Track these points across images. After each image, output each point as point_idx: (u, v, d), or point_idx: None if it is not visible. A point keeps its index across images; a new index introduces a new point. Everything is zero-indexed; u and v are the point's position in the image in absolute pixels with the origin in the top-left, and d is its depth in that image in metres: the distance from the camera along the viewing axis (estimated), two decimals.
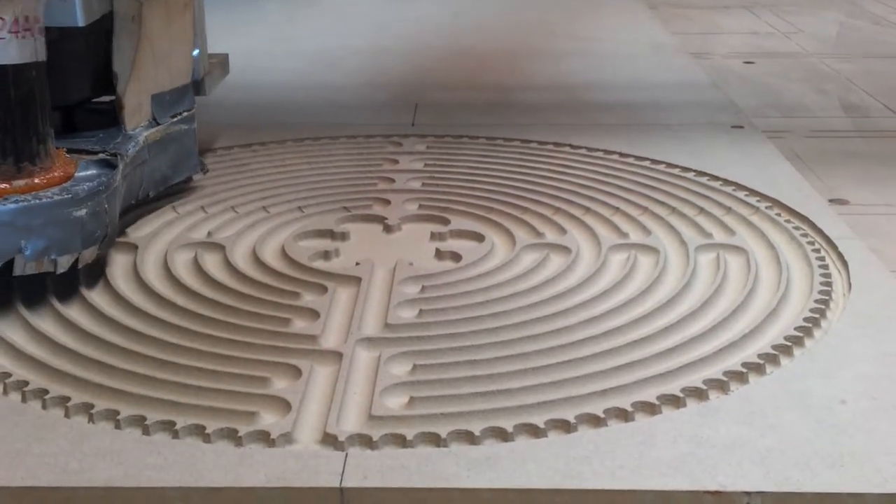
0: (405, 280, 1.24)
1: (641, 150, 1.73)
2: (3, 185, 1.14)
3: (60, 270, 1.16)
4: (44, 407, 0.99)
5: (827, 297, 1.19)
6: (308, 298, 1.21)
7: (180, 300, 1.19)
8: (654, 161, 1.69)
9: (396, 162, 1.70)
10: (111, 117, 1.41)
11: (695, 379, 1.02)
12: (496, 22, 3.05)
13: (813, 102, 2.31)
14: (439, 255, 1.34)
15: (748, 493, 0.85)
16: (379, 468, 0.88)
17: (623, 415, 0.96)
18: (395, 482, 0.87)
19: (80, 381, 1.02)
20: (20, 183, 1.15)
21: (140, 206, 1.45)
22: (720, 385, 1.01)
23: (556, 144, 1.79)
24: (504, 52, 2.64)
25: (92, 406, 0.98)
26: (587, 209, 1.47)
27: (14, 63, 1.12)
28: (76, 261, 1.17)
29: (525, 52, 2.63)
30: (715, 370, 1.03)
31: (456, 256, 1.32)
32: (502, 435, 0.93)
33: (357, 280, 1.24)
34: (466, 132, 1.85)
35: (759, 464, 0.88)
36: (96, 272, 1.25)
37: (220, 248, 1.34)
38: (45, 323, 1.14)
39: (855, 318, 1.15)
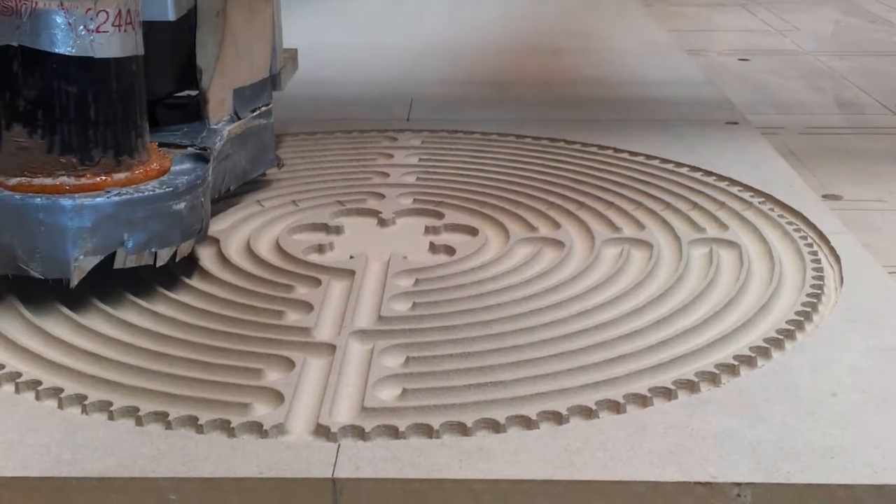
0: (399, 273, 1.24)
1: (636, 146, 1.74)
2: (104, 178, 1.13)
3: (160, 263, 1.16)
4: (37, 398, 0.99)
5: (819, 292, 1.19)
6: (302, 291, 1.21)
7: (174, 292, 1.20)
8: (648, 157, 1.69)
9: (391, 156, 1.70)
10: (191, 111, 1.41)
11: (686, 371, 1.02)
12: (492, 17, 3.05)
13: (808, 99, 2.32)
14: (433, 248, 1.34)
15: (738, 485, 0.85)
16: (371, 459, 0.89)
17: (615, 407, 0.97)
18: (387, 473, 0.87)
19: (74, 372, 1.02)
20: (120, 176, 1.14)
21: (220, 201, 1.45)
22: (712, 377, 1.01)
23: (550, 140, 1.79)
24: (500, 47, 2.64)
25: (85, 397, 0.98)
26: (581, 204, 1.48)
27: (116, 57, 1.12)
28: (174, 254, 1.17)
29: (521, 48, 2.63)
30: (706, 363, 1.03)
31: (450, 250, 1.32)
32: (495, 426, 0.94)
33: (351, 273, 1.25)
34: (461, 127, 1.86)
35: (750, 455, 0.89)
36: None
37: (214, 240, 1.34)
38: (38, 314, 1.14)
39: (846, 313, 1.15)
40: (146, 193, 1.13)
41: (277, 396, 0.98)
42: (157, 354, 1.05)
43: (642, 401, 0.97)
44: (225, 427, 0.93)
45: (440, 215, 1.44)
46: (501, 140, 1.79)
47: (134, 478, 0.87)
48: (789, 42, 2.95)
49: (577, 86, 2.24)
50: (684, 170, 1.63)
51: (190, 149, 1.28)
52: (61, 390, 0.99)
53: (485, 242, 1.35)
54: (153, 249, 1.15)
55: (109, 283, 1.20)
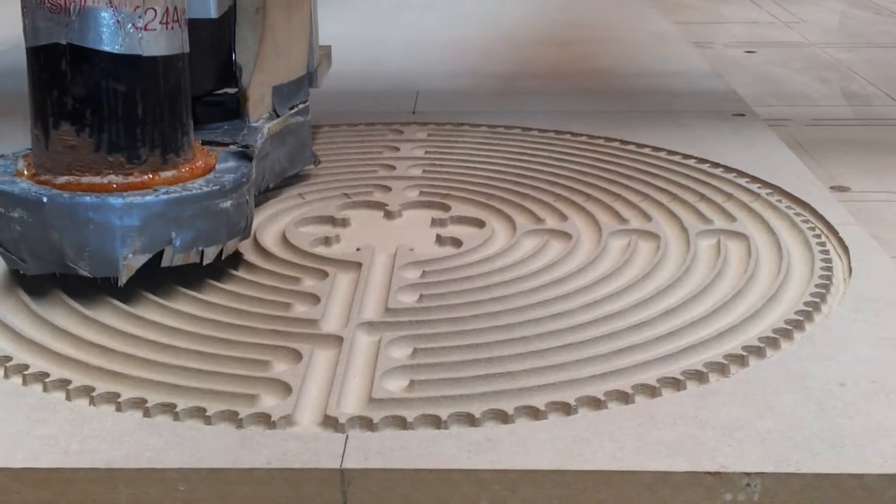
0: (406, 265, 1.24)
1: (642, 138, 1.73)
2: (151, 176, 1.13)
3: (206, 262, 1.16)
4: (45, 390, 0.99)
5: (827, 282, 1.19)
6: (309, 283, 1.21)
7: (181, 284, 1.19)
8: (654, 148, 1.69)
9: (397, 149, 1.70)
10: (229, 109, 1.42)
11: (695, 362, 1.02)
12: (497, 10, 3.05)
13: (814, 91, 2.31)
14: (440, 240, 1.34)
15: (748, 474, 0.85)
16: (379, 450, 0.89)
17: (623, 397, 0.96)
18: (395, 463, 0.87)
19: (81, 364, 1.02)
20: (167, 174, 1.14)
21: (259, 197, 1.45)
22: (720, 368, 1.01)
23: (557, 132, 1.79)
24: (505, 39, 2.63)
25: (93, 389, 0.98)
26: (588, 196, 1.47)
27: (164, 55, 1.12)
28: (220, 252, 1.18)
29: (526, 40, 2.62)
30: (715, 353, 1.03)
31: (456, 242, 1.32)
32: (503, 417, 0.93)
33: (357, 265, 1.25)
34: (467, 120, 1.85)
35: (759, 445, 0.88)
36: None
37: None
38: (45, 307, 1.14)
39: (855, 303, 1.15)
40: (194, 192, 1.13)
41: (285, 388, 0.98)
42: (165, 346, 1.05)
43: (651, 391, 0.97)
44: (233, 418, 0.93)
45: (447, 207, 1.44)
46: (507, 132, 1.79)
47: (142, 469, 0.87)
48: (795, 34, 2.94)
49: (582, 78, 2.23)
50: (691, 161, 1.63)
51: (232, 147, 1.28)
52: (69, 382, 0.99)
53: (491, 234, 1.34)
54: (200, 248, 1.15)
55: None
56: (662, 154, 1.66)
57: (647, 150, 1.68)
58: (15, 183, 1.13)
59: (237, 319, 1.11)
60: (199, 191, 1.14)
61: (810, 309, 1.12)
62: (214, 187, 1.15)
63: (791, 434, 0.90)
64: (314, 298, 1.16)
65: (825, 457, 0.87)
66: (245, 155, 1.26)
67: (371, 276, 1.22)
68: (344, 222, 1.40)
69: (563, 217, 1.40)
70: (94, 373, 1.01)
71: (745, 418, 0.93)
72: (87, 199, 1.09)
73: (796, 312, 1.11)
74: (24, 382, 1.01)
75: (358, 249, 1.30)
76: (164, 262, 1.13)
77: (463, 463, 0.87)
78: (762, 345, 1.05)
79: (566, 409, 0.94)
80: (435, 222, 1.39)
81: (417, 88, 2.11)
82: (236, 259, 1.25)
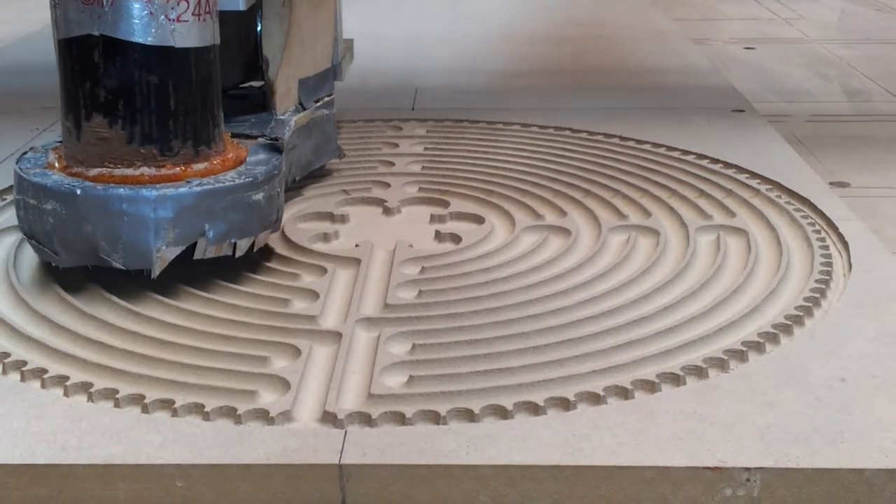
0: (405, 261, 1.24)
1: (642, 134, 1.73)
2: (183, 168, 1.13)
3: (239, 254, 1.16)
4: (43, 386, 0.99)
5: (827, 278, 1.19)
6: (308, 280, 1.21)
7: (179, 281, 1.19)
8: (654, 144, 1.68)
9: (396, 146, 1.70)
10: (255, 102, 1.42)
11: (695, 357, 1.01)
12: (496, 6, 3.04)
13: (814, 87, 2.31)
14: (439, 236, 1.33)
15: (748, 469, 0.85)
16: (378, 445, 0.88)
17: (623, 393, 0.96)
18: (394, 459, 0.87)
19: (79, 360, 1.02)
20: (199, 166, 1.14)
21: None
22: (720, 363, 1.01)
23: (556, 128, 1.78)
24: (505, 36, 2.63)
25: (91, 385, 0.98)
26: (587, 192, 1.47)
27: (196, 46, 1.11)
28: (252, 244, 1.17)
29: (526, 37, 2.62)
30: (715, 349, 1.03)
31: (456, 238, 1.32)
32: (502, 413, 0.93)
33: (356, 262, 1.24)
34: (467, 116, 1.85)
35: (759, 440, 0.88)
36: None
37: None
38: (43, 303, 1.14)
39: (855, 298, 1.14)
40: (226, 184, 1.13)
41: (284, 384, 0.98)
42: (163, 342, 1.05)
43: (650, 387, 0.97)
44: (231, 414, 0.93)
45: (446, 204, 1.43)
46: (507, 129, 1.79)
47: (140, 465, 0.87)
48: (795, 30, 2.94)
49: (582, 74, 2.23)
50: (691, 157, 1.62)
51: (261, 139, 1.28)
52: (67, 378, 0.99)
53: (491, 230, 1.34)
54: (233, 240, 1.14)
55: (114, 272, 1.20)
56: (662, 150, 1.66)
57: (646, 147, 1.68)
58: (47, 175, 1.13)
59: (236, 315, 1.11)
60: (231, 183, 1.13)
61: (810, 304, 1.12)
62: (247, 179, 1.15)
63: (791, 429, 0.90)
64: (313, 294, 1.15)
65: (825, 452, 0.87)
66: (274, 147, 1.26)
67: (370, 272, 1.22)
68: (343, 218, 1.40)
69: (563, 213, 1.39)
70: (93, 369, 1.01)
71: (745, 413, 0.92)
72: (121, 191, 1.09)
73: (796, 308, 1.11)
74: (23, 378, 1.00)
75: (357, 245, 1.30)
76: (197, 255, 1.12)
77: (462, 458, 0.87)
78: (762, 340, 1.04)
79: (565, 404, 0.94)
80: (434, 218, 1.39)
81: (416, 85, 2.10)
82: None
